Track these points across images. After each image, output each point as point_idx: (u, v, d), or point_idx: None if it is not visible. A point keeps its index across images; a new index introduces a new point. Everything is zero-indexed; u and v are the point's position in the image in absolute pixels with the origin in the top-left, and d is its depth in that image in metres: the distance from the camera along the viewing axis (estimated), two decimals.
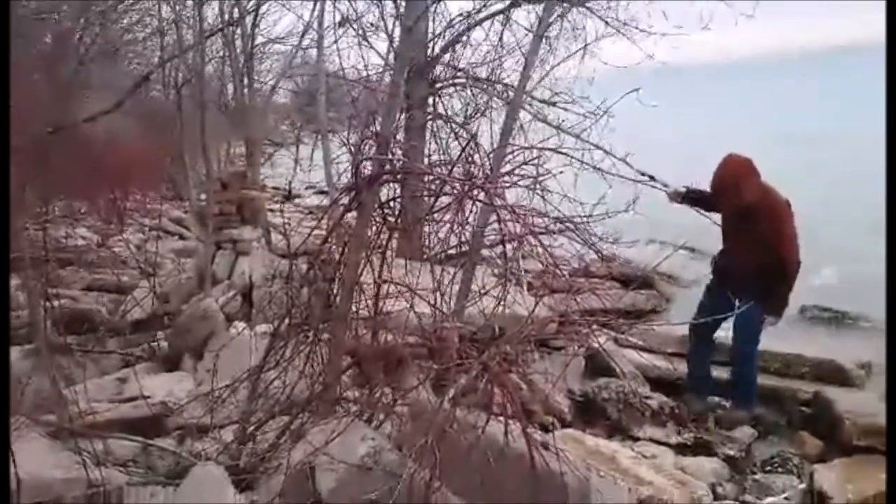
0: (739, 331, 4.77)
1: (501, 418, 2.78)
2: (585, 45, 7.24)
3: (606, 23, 7.01)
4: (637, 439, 4.73)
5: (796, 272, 4.60)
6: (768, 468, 4.32)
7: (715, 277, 5.00)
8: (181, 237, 11.54)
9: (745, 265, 4.63)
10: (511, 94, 7.01)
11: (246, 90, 13.22)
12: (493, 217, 3.10)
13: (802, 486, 4.10)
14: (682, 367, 5.26)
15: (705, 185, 4.82)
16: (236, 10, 12.10)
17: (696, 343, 5.10)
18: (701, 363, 5.06)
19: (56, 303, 6.64)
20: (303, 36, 12.61)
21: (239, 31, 12.93)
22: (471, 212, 3.44)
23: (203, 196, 11.05)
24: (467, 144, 3.56)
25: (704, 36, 7.06)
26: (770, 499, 3.86)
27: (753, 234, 4.58)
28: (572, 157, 6.01)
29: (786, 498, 3.90)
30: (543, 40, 7.08)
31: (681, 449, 4.61)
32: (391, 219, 3.50)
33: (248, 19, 12.85)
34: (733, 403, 4.91)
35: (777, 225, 4.53)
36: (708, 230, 5.28)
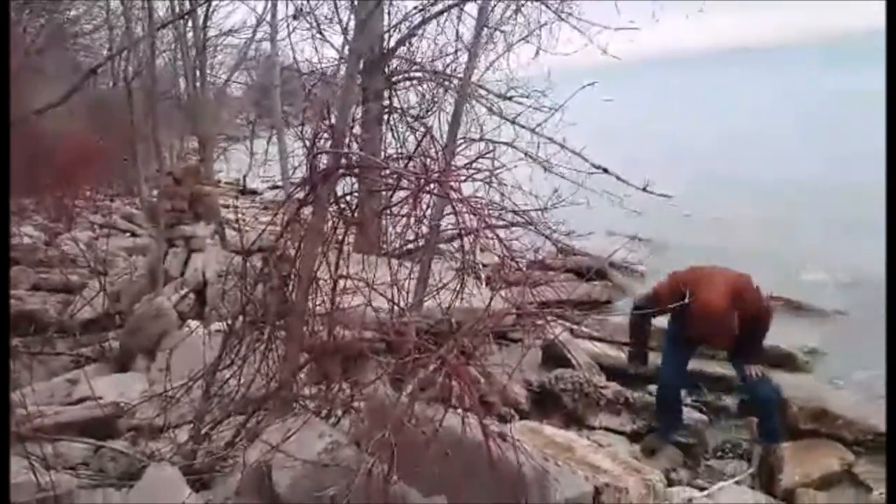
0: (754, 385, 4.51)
1: (459, 411, 2.79)
2: (530, 33, 7.25)
3: (560, 17, 7.07)
4: (593, 428, 4.81)
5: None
6: (720, 454, 4.43)
7: (677, 328, 4.66)
8: (133, 234, 11.29)
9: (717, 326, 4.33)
10: (466, 87, 7.03)
11: (199, 84, 13.00)
12: (450, 210, 3.10)
13: (752, 470, 4.22)
14: None
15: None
16: (187, 2, 11.88)
17: (667, 389, 4.72)
18: (672, 405, 4.70)
19: None
20: (256, 29, 12.48)
21: (191, 23, 12.70)
22: (427, 206, 3.44)
23: (155, 192, 10.83)
24: (423, 138, 3.56)
25: (656, 30, 7.18)
26: (721, 483, 3.96)
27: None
28: (526, 154, 6.06)
29: (736, 482, 4.00)
30: (499, 35, 7.13)
31: (635, 436, 4.70)
32: (348, 213, 3.48)
33: (200, 11, 12.64)
34: (763, 441, 4.52)
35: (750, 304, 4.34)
36: (663, 221, 5.37)
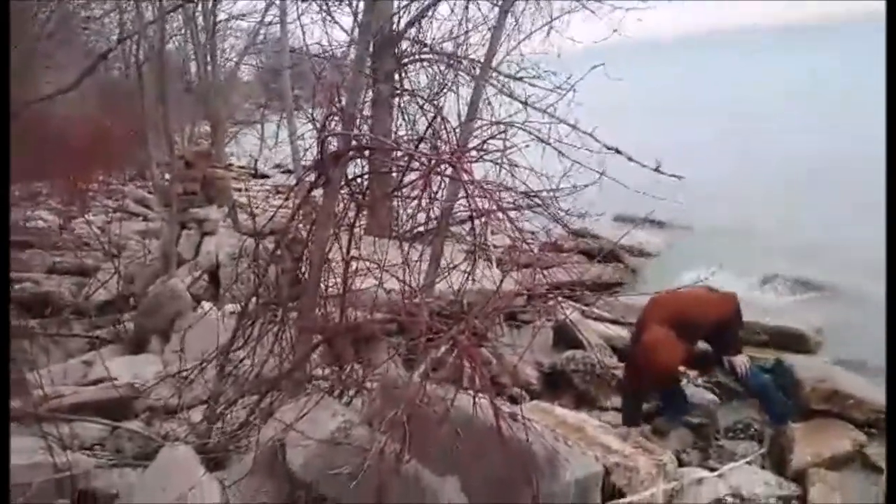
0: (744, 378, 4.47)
1: (471, 391, 2.81)
2: (552, 20, 7.20)
3: (583, 5, 6.98)
4: (604, 409, 4.82)
5: (740, 315, 4.48)
6: (731, 434, 4.43)
7: None
8: (145, 218, 11.36)
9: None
10: (477, 69, 6.99)
11: (209, 68, 13.01)
12: (461, 192, 3.10)
13: (763, 450, 4.22)
14: None
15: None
16: None
17: None
18: (673, 393, 4.68)
19: (17, 286, 6.53)
20: (265, 12, 12.47)
21: (200, 7, 12.68)
22: (439, 187, 3.44)
23: (167, 175, 10.88)
24: (433, 119, 3.54)
25: (668, 9, 7.10)
26: (732, 464, 3.96)
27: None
28: (536, 136, 6.02)
29: (747, 463, 4.01)
30: (509, 15, 7.06)
31: (646, 417, 4.71)
32: (359, 195, 3.48)
33: None
34: (770, 421, 4.50)
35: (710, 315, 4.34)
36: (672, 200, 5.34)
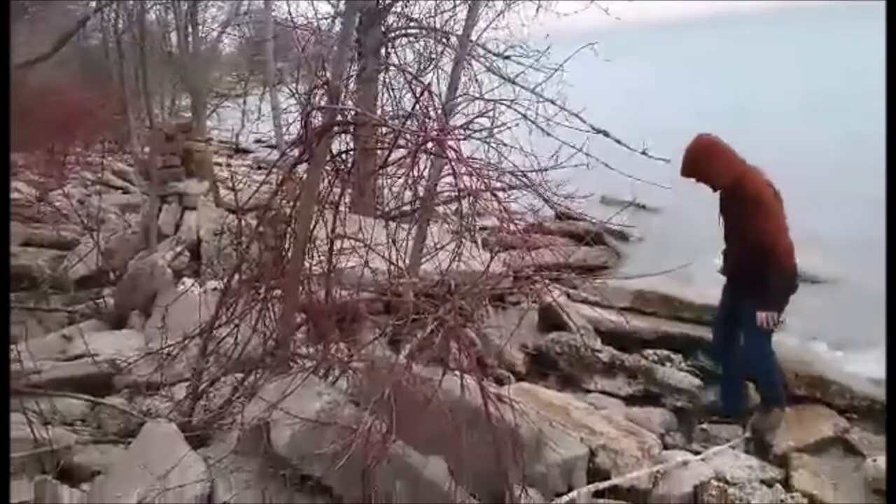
0: (744, 332, 4.32)
1: (457, 372, 2.79)
2: None
3: None
4: (589, 391, 4.83)
5: (784, 265, 4.04)
6: (714, 418, 4.45)
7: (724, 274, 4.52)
8: (125, 191, 11.18)
9: (738, 260, 4.25)
10: (467, 46, 6.89)
11: (190, 38, 12.76)
12: (447, 170, 3.04)
13: (746, 434, 4.24)
14: (633, 322, 5.35)
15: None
16: None
17: (716, 345, 4.68)
18: (725, 367, 4.60)
19: None
20: None
21: None
22: (425, 166, 3.39)
23: (146, 148, 10.70)
24: (421, 95, 3.47)
25: None
26: (715, 447, 3.99)
27: (736, 225, 4.17)
28: (523, 115, 5.96)
29: (731, 447, 4.03)
30: None
31: (631, 400, 4.73)
32: (344, 172, 3.41)
33: None
34: (761, 404, 4.40)
35: (755, 215, 4.04)
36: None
